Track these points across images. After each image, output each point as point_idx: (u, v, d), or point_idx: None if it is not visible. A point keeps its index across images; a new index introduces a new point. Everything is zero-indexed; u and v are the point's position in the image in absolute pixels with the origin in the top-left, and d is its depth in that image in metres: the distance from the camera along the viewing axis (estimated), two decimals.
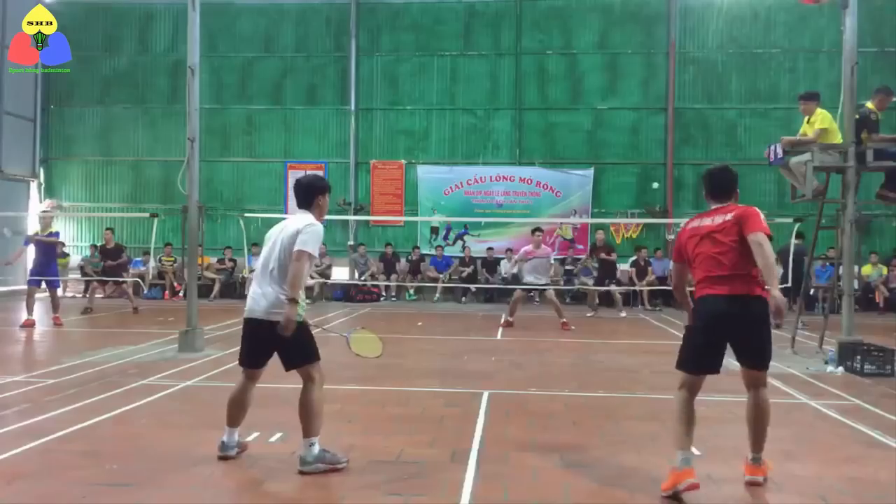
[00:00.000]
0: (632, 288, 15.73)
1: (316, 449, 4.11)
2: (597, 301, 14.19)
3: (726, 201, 4.18)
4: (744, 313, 3.90)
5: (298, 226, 4.20)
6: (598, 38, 17.66)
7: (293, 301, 4.00)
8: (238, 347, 4.39)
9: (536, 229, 12.30)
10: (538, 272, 11.73)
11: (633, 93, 17.58)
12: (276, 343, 4.15)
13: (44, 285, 11.64)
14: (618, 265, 15.17)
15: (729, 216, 4.02)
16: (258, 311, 4.19)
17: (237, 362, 4.44)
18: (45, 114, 18.91)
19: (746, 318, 3.91)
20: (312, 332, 4.32)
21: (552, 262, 12.25)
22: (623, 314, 13.85)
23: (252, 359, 4.34)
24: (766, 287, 3.80)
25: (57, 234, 12.20)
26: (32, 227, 18.40)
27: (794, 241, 12.45)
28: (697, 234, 4.11)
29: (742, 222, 3.93)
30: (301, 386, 4.24)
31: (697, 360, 4.03)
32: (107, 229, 14.67)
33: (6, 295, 16.90)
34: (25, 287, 12.08)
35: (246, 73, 18.43)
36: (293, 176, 18.16)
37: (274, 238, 4.32)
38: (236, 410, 4.37)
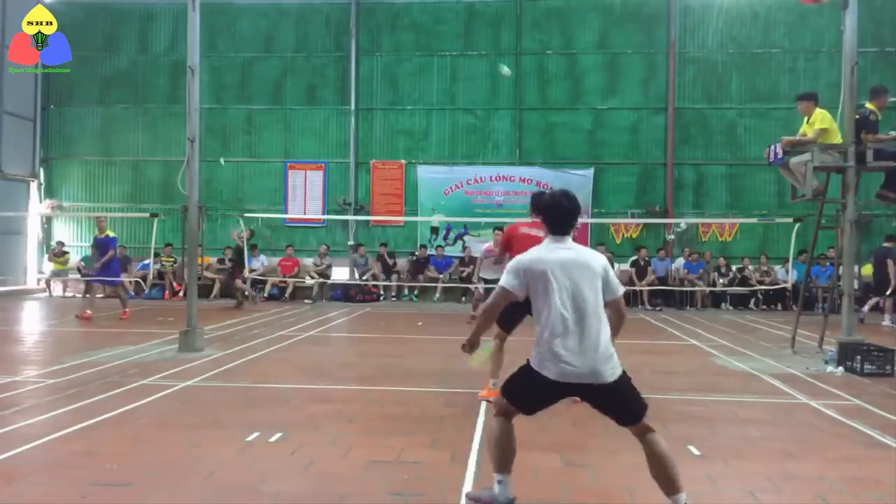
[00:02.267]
0: (632, 288, 15.73)
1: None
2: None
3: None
4: None
5: (600, 262, 3.55)
6: (598, 38, 17.65)
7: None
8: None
9: (498, 228, 12.47)
10: (496, 269, 11.82)
11: (633, 93, 17.57)
12: (605, 402, 3.44)
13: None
14: (617, 265, 15.12)
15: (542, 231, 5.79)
16: (582, 374, 3.33)
17: (513, 406, 3.62)
18: (45, 114, 18.89)
19: None
20: None
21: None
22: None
23: (540, 409, 3.64)
24: None
25: (114, 239, 12.55)
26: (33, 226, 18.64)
27: (884, 243, 13.14)
28: (528, 235, 6.02)
29: None
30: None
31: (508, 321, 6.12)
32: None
33: (6, 295, 16.91)
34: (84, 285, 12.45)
35: (246, 73, 18.43)
36: (293, 176, 18.17)
37: (565, 274, 3.45)
38: (500, 452, 3.62)
